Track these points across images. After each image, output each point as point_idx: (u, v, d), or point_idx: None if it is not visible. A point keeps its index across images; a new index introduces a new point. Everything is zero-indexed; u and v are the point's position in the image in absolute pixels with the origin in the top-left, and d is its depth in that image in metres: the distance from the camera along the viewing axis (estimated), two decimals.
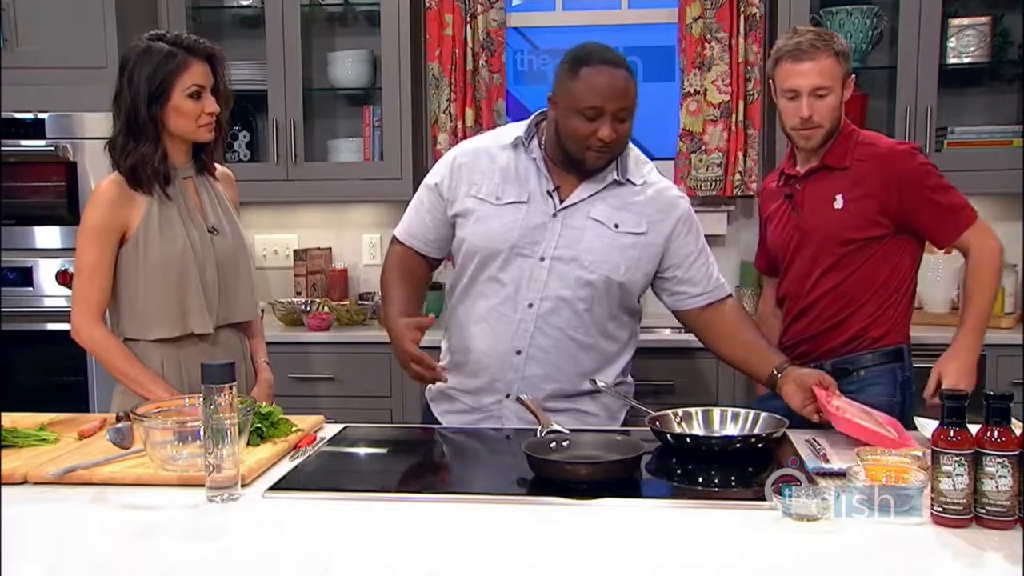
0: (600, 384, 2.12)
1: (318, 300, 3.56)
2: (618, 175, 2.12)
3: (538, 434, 1.86)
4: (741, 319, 2.20)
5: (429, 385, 2.27)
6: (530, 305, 2.09)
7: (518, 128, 2.18)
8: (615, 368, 2.20)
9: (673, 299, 2.20)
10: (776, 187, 2.42)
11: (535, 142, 2.14)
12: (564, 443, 1.78)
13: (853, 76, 2.29)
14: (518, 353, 2.11)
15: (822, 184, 2.28)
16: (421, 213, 2.23)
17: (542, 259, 2.09)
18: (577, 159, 2.06)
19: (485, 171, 2.15)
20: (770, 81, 2.32)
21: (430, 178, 2.24)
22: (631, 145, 2.17)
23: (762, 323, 2.52)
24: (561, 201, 2.10)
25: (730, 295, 2.22)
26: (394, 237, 2.30)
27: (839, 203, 2.24)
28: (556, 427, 1.89)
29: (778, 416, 1.95)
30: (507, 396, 2.13)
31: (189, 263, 2.15)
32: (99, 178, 3.20)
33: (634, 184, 2.13)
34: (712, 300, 2.18)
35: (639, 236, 2.11)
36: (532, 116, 2.17)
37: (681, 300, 2.19)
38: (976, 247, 2.22)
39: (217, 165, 2.33)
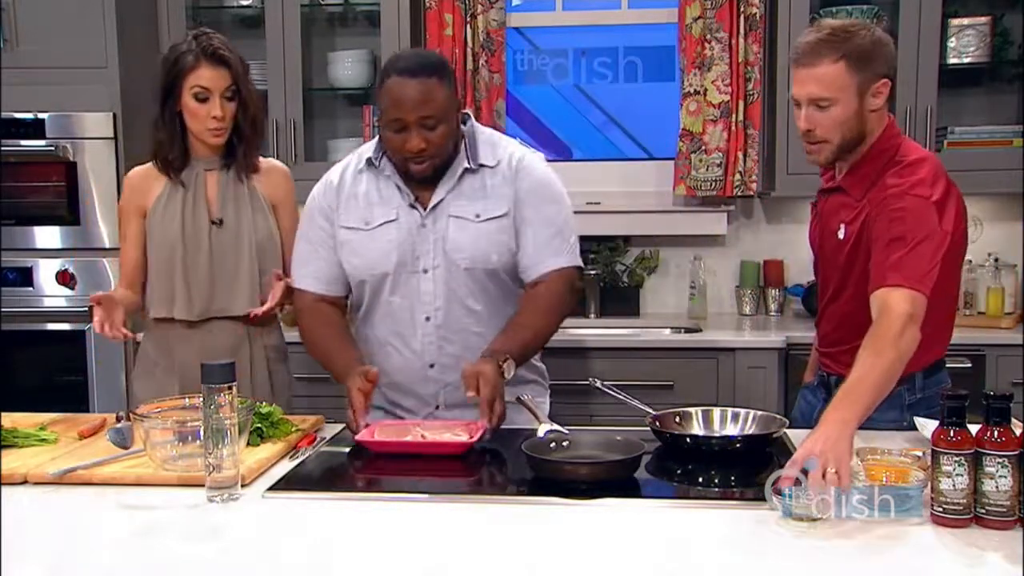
0: (600, 385, 2.12)
1: None
2: (469, 163, 2.10)
3: (538, 434, 1.86)
4: (528, 299, 2.11)
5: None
6: (427, 319, 2.10)
7: (368, 148, 2.17)
8: None
9: (522, 269, 2.13)
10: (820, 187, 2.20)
11: (386, 159, 2.12)
12: (564, 443, 1.78)
13: (886, 81, 1.96)
14: (431, 366, 2.12)
15: (835, 206, 2.06)
16: (314, 253, 2.16)
17: (425, 271, 2.09)
18: (402, 170, 2.07)
19: (349, 198, 2.14)
20: None
21: (308, 216, 2.18)
22: (480, 128, 2.16)
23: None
24: (424, 208, 2.09)
25: (557, 271, 2.09)
26: (299, 298, 2.20)
27: (842, 233, 2.02)
28: (556, 427, 1.89)
29: (778, 416, 1.95)
30: (437, 407, 2.13)
31: (177, 251, 2.26)
32: (99, 178, 3.26)
33: (489, 166, 2.11)
34: (536, 275, 2.10)
35: (502, 218, 2.09)
36: (380, 127, 2.10)
37: (525, 271, 2.12)
38: (896, 307, 1.77)
39: (274, 162, 2.43)
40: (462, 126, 2.12)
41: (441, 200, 2.09)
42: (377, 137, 2.15)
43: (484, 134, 2.16)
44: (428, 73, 1.97)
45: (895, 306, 1.77)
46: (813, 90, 1.92)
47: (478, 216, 2.09)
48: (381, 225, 2.11)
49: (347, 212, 2.14)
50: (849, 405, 1.64)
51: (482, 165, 2.11)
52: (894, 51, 2.03)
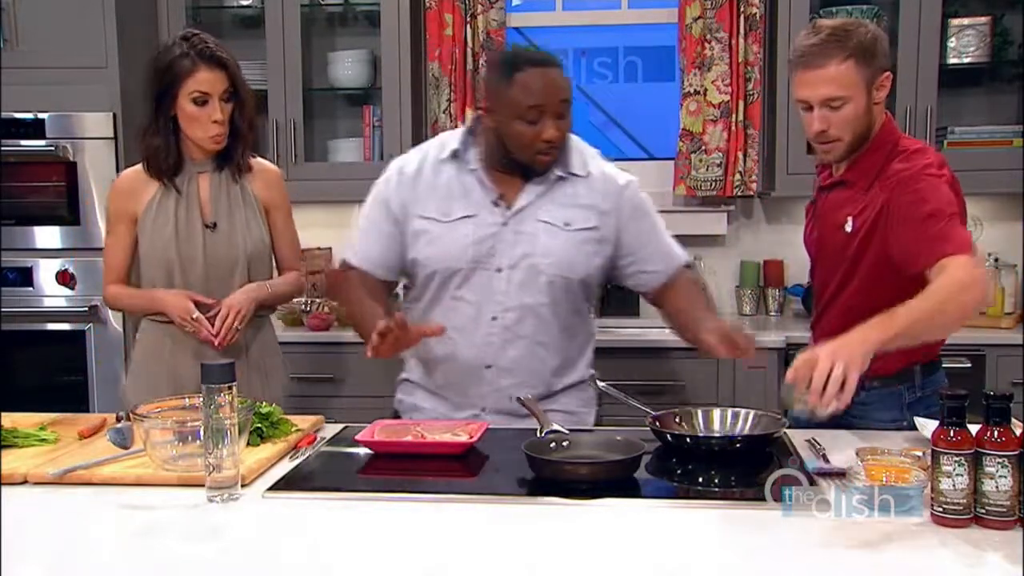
0: (600, 385, 2.12)
1: (318, 300, 3.55)
2: (561, 170, 2.09)
3: (538, 434, 1.86)
4: (689, 290, 2.17)
5: (399, 398, 2.26)
6: (494, 318, 2.08)
7: (454, 138, 2.14)
8: (584, 360, 2.19)
9: (634, 282, 2.20)
10: (816, 186, 2.22)
11: (472, 152, 2.11)
12: (564, 443, 1.78)
13: (888, 73, 1.99)
14: (488, 367, 2.10)
15: (838, 200, 2.06)
16: (376, 237, 2.16)
17: (499, 270, 2.07)
18: (526, 164, 2.05)
19: (428, 188, 2.11)
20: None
21: (376, 201, 2.16)
22: (572, 135, 2.14)
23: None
24: (508, 208, 2.08)
25: (687, 264, 2.21)
26: (344, 263, 2.20)
27: (849, 226, 2.01)
28: (556, 427, 1.89)
29: (778, 416, 1.95)
30: (482, 410, 2.11)
31: (171, 256, 2.27)
32: (99, 178, 3.26)
33: (579, 176, 2.11)
34: (668, 275, 2.17)
35: (591, 231, 2.09)
36: (467, 123, 2.14)
37: (641, 282, 2.19)
38: (956, 270, 1.78)
39: (265, 163, 2.41)
40: None
41: (530, 203, 2.08)
42: (464, 128, 2.14)
43: (574, 143, 2.14)
44: (556, 64, 2.01)
45: (954, 271, 1.76)
46: (826, 91, 1.93)
47: (568, 224, 2.08)
48: (459, 219, 2.08)
49: (425, 202, 2.10)
50: (879, 325, 1.67)
51: (572, 174, 2.10)
52: (888, 45, 2.04)
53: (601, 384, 2.11)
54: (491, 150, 2.08)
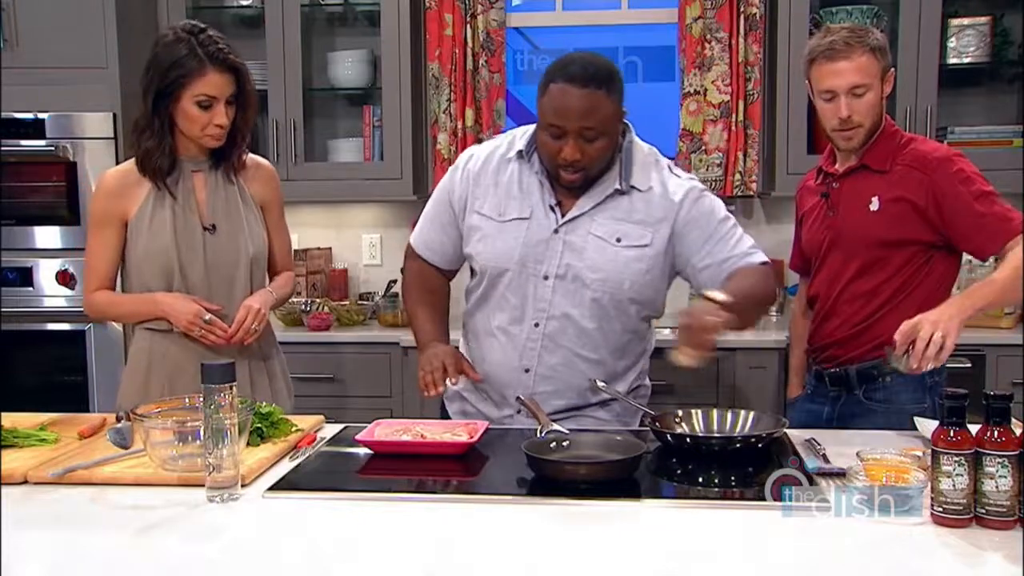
0: (600, 385, 2.11)
1: (318, 300, 3.56)
2: (621, 184, 2.03)
3: (538, 434, 1.86)
4: (739, 276, 2.00)
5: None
6: (536, 324, 2.06)
7: (523, 137, 2.11)
8: (630, 376, 2.15)
9: (699, 285, 2.07)
10: (814, 185, 2.34)
11: (536, 155, 2.07)
12: (564, 443, 1.78)
13: (893, 70, 2.21)
14: (526, 371, 2.08)
15: (859, 184, 2.19)
16: (436, 226, 2.20)
17: (545, 278, 2.04)
18: (553, 175, 2.02)
19: (489, 185, 2.09)
20: (806, 82, 2.23)
21: (441, 189, 2.19)
22: (639, 145, 2.08)
23: (793, 323, 2.50)
24: (563, 215, 2.04)
25: (763, 263, 2.06)
26: (410, 248, 2.27)
27: (875, 205, 2.15)
28: (556, 427, 1.89)
29: (778, 416, 1.95)
30: (519, 411, 2.10)
31: (171, 260, 2.18)
32: (99, 178, 3.24)
33: (640, 191, 2.04)
34: (729, 272, 2.03)
35: (643, 248, 2.02)
36: (537, 125, 2.06)
37: (707, 283, 2.03)
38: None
39: (260, 159, 2.35)
40: (621, 139, 2.05)
41: (583, 213, 2.03)
42: (534, 127, 2.06)
43: (641, 152, 2.08)
44: (597, 84, 1.89)
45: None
46: (853, 79, 2.12)
47: (619, 240, 2.02)
48: (513, 220, 2.06)
49: (484, 198, 2.09)
50: (970, 299, 1.94)
51: (633, 187, 2.04)
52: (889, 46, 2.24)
53: (600, 384, 2.11)
54: None
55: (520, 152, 2.08)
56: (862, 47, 2.11)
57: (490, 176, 2.10)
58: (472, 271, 2.19)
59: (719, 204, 2.09)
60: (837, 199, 2.23)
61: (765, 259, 2.08)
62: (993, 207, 2.08)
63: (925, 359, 1.82)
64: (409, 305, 2.27)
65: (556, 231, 2.04)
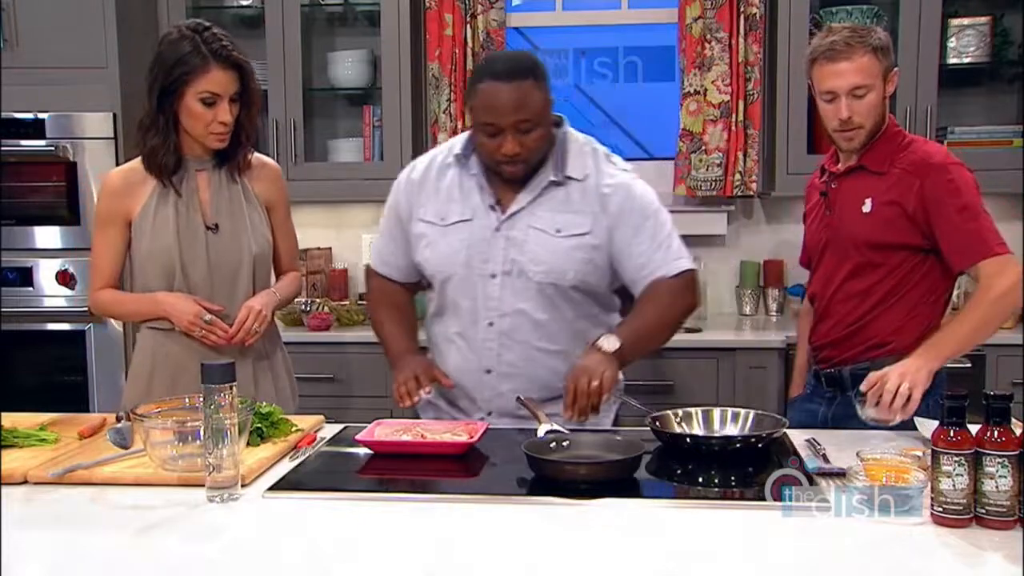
0: None
1: (318, 300, 3.55)
2: (556, 175, 2.06)
3: (538, 434, 1.86)
4: (645, 302, 2.07)
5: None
6: (490, 324, 2.09)
7: (460, 142, 2.15)
8: None
9: (632, 285, 2.12)
10: (818, 183, 2.34)
11: (474, 157, 2.10)
12: (564, 443, 1.78)
13: (896, 70, 2.19)
14: (488, 372, 2.11)
15: (856, 185, 2.19)
16: (389, 242, 2.23)
17: (493, 276, 2.07)
18: (495, 172, 2.05)
19: (431, 191, 2.13)
20: (808, 82, 2.23)
21: (388, 205, 2.23)
22: (574, 135, 2.12)
23: (800, 321, 2.49)
24: (503, 213, 2.08)
25: (679, 273, 2.07)
26: (369, 268, 2.31)
27: (868, 207, 2.15)
28: (555, 427, 1.89)
29: (778, 416, 1.95)
30: (488, 414, 2.12)
31: (174, 260, 2.18)
32: (99, 178, 3.24)
33: (577, 180, 2.08)
34: (652, 281, 2.06)
35: (583, 237, 2.06)
36: (472, 129, 2.10)
37: (635, 285, 2.10)
38: (988, 277, 2.02)
39: (265, 159, 2.34)
40: (555, 130, 2.09)
41: (522, 208, 2.07)
42: (468, 132, 2.13)
43: (576, 143, 2.11)
44: (523, 76, 1.95)
45: (994, 274, 2.02)
46: (854, 80, 2.10)
47: (559, 231, 2.06)
48: (455, 223, 2.09)
49: (426, 205, 2.13)
50: (935, 349, 1.97)
51: (569, 178, 2.07)
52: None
53: None
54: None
55: (458, 156, 2.12)
56: (863, 47, 2.10)
57: (431, 183, 2.14)
58: (429, 284, 2.22)
59: (651, 199, 2.11)
60: (835, 199, 2.24)
61: (688, 266, 2.10)
62: (972, 223, 2.06)
63: (892, 411, 1.85)
64: (376, 324, 2.28)
65: (498, 229, 2.07)
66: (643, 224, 2.08)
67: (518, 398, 2.05)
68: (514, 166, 2.01)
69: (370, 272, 2.32)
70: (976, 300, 2.04)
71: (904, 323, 2.14)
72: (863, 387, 1.90)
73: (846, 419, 2.08)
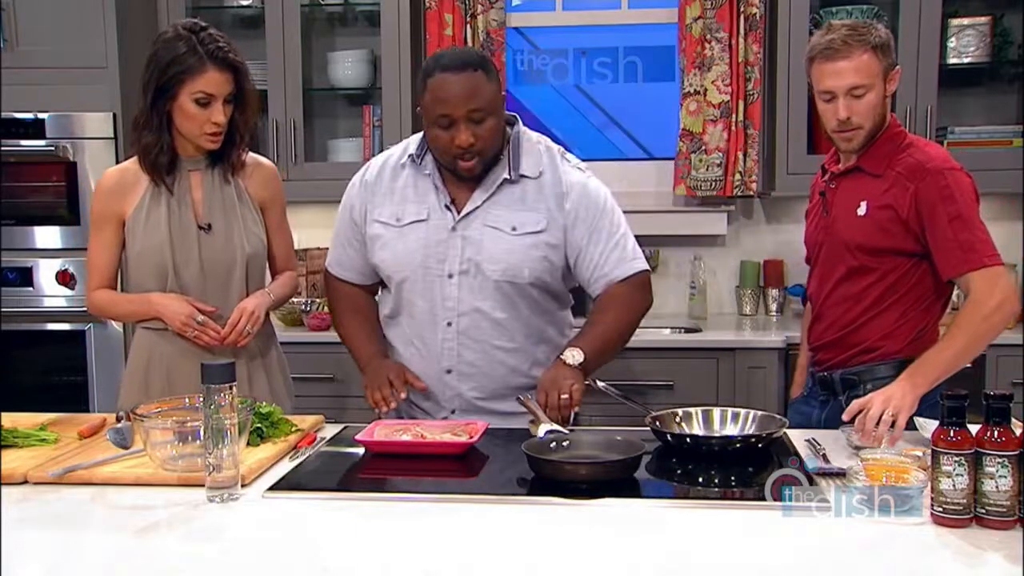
0: (600, 385, 2.11)
1: (318, 300, 3.55)
2: (510, 173, 2.07)
3: (538, 434, 1.86)
4: (598, 301, 2.13)
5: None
6: (448, 324, 2.09)
7: (414, 142, 2.15)
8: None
9: (586, 285, 2.15)
10: (819, 182, 2.30)
11: (428, 156, 2.11)
12: (564, 443, 1.78)
13: (898, 68, 2.14)
14: (448, 372, 2.12)
15: (853, 186, 2.15)
16: (345, 244, 2.23)
17: (450, 276, 2.08)
18: (450, 169, 2.05)
19: (385, 192, 2.14)
20: (808, 81, 2.20)
21: (343, 207, 2.23)
22: (528, 134, 2.13)
23: (804, 319, 2.46)
24: (458, 213, 2.08)
25: (633, 275, 2.12)
26: (327, 272, 2.30)
27: (863, 210, 2.10)
28: (555, 427, 1.88)
29: (778, 416, 1.95)
30: (452, 412, 2.14)
31: (166, 259, 2.18)
32: (99, 178, 3.23)
33: (529, 177, 2.09)
34: (607, 284, 2.11)
35: (539, 235, 2.07)
36: (425, 127, 2.10)
37: (589, 285, 2.14)
38: (978, 291, 1.98)
39: (260, 159, 2.34)
40: (509, 129, 2.10)
41: (477, 207, 2.07)
42: (422, 132, 2.13)
43: (529, 142, 2.13)
44: (473, 67, 1.97)
45: (983, 289, 1.97)
46: (852, 79, 2.06)
47: (514, 229, 2.07)
48: (411, 224, 2.09)
49: (381, 206, 2.13)
50: (921, 373, 1.91)
51: (523, 176, 2.09)
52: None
53: (600, 384, 2.11)
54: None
55: (412, 156, 2.12)
56: (863, 46, 2.05)
57: (385, 184, 2.14)
58: (383, 284, 2.22)
59: (606, 198, 2.14)
60: (832, 200, 2.21)
61: (642, 267, 2.14)
62: (964, 233, 2.00)
63: (876, 438, 1.79)
64: (340, 329, 2.29)
65: (453, 228, 2.08)
66: (598, 224, 2.10)
67: (518, 398, 2.05)
68: (469, 160, 2.01)
69: (327, 275, 2.31)
70: (966, 318, 1.98)
71: (895, 328, 2.11)
72: (845, 416, 1.85)
73: (838, 423, 2.06)
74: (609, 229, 2.11)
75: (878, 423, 1.80)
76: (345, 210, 2.22)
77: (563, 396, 1.94)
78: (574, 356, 2.02)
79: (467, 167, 2.02)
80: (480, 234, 2.07)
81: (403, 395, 2.07)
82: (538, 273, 2.09)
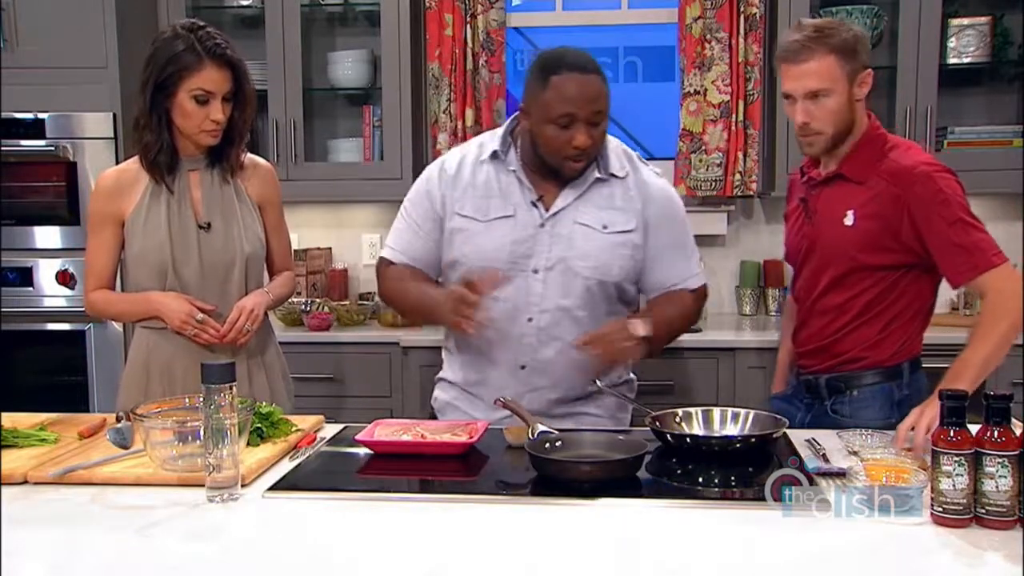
0: (600, 385, 2.11)
1: (318, 300, 3.55)
2: (600, 172, 2.09)
3: (529, 435, 1.85)
4: (673, 299, 2.15)
5: (436, 396, 2.26)
6: (529, 319, 2.08)
7: (494, 139, 2.14)
8: (618, 367, 2.18)
9: (651, 289, 2.18)
10: (798, 183, 2.26)
11: (512, 153, 2.11)
12: (566, 443, 1.77)
13: (869, 71, 2.06)
14: (522, 368, 2.10)
15: (836, 195, 2.10)
16: (418, 235, 2.17)
17: (535, 271, 2.07)
18: (555, 168, 2.05)
19: (467, 187, 2.12)
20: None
21: (419, 197, 2.17)
22: (608, 136, 2.13)
23: (785, 315, 2.46)
24: (546, 210, 2.08)
25: (695, 289, 2.19)
26: (384, 261, 2.22)
27: (850, 220, 2.06)
28: (545, 428, 1.85)
29: (778, 416, 1.95)
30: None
31: (166, 259, 2.18)
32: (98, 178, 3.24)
33: (618, 177, 2.11)
34: (675, 290, 2.16)
35: (628, 234, 2.09)
36: (506, 124, 2.14)
37: (654, 290, 2.18)
38: (995, 291, 1.94)
39: (258, 159, 2.34)
40: None
41: (567, 205, 2.07)
42: (502, 129, 2.13)
43: (613, 144, 2.14)
44: (595, 70, 1.98)
45: (999, 290, 1.94)
46: (810, 83, 2.01)
47: (606, 227, 2.08)
48: (497, 219, 2.08)
49: (463, 200, 2.11)
50: (959, 377, 1.85)
51: (612, 175, 2.10)
52: (870, 46, 2.13)
53: (600, 384, 2.10)
54: (528, 151, 2.08)
55: (495, 153, 2.11)
56: (824, 49, 1.98)
57: (466, 179, 2.13)
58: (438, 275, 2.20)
59: (682, 208, 2.20)
60: (815, 207, 2.16)
61: (702, 282, 2.20)
62: (966, 236, 1.96)
63: (926, 450, 1.68)
64: (401, 296, 2.19)
65: (542, 225, 2.07)
66: (678, 232, 2.16)
67: (499, 399, 1.99)
68: (579, 161, 2.02)
69: (384, 263, 2.23)
70: (990, 324, 1.93)
71: (879, 339, 2.09)
72: (901, 444, 1.74)
73: (820, 427, 2.05)
74: (684, 238, 2.18)
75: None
76: (422, 198, 2.16)
77: (624, 344, 1.97)
78: (643, 327, 2.02)
79: (574, 168, 2.03)
80: (570, 231, 2.07)
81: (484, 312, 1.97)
82: (627, 272, 2.10)
